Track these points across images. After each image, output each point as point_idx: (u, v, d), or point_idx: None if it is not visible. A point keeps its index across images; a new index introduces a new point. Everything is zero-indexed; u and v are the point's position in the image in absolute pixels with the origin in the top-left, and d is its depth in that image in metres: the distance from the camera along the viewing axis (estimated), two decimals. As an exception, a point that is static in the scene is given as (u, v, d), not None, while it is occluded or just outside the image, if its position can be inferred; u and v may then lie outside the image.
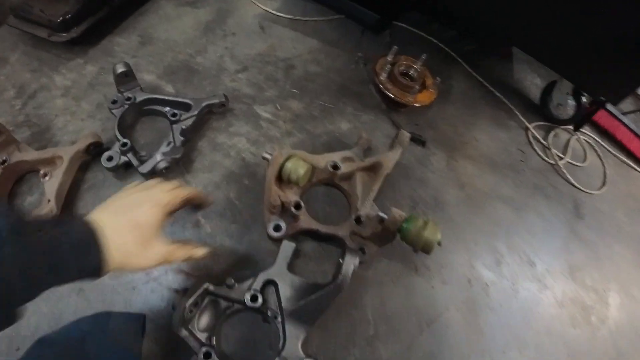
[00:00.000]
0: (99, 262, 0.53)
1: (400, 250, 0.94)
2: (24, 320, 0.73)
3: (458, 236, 1.01)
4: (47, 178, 0.91)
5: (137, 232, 0.57)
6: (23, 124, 1.08)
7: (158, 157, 0.93)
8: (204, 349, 0.78)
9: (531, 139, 1.27)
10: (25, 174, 0.98)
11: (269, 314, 0.83)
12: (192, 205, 0.75)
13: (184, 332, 0.79)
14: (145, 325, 0.82)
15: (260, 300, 0.80)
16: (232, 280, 0.81)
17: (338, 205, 0.96)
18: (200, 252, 0.69)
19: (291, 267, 0.88)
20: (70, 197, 0.93)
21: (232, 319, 0.86)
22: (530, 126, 1.29)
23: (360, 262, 0.87)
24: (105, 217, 0.56)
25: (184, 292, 0.79)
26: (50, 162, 0.93)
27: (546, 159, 1.27)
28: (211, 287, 0.81)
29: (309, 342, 0.84)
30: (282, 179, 0.88)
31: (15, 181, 0.97)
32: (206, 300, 0.82)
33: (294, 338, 0.79)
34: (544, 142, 1.30)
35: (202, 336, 0.82)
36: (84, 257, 0.51)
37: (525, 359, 0.99)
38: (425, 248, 0.82)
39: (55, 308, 0.81)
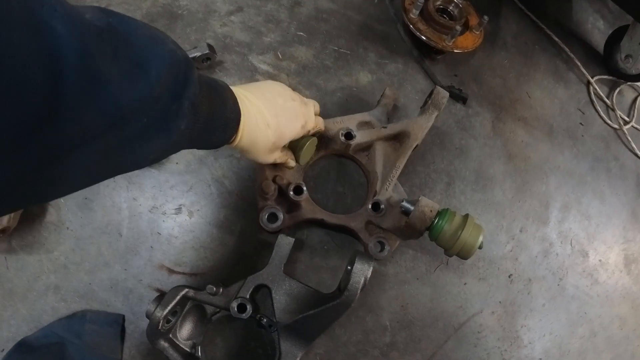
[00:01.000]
0: (230, 140, 0.53)
1: (427, 242, 0.75)
2: (4, 322, 0.70)
3: (501, 222, 0.81)
4: None
5: (276, 136, 0.57)
6: None
7: None
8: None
9: (593, 97, 1.01)
10: None
11: (264, 322, 0.67)
12: None
13: (161, 344, 0.65)
14: (124, 327, 0.71)
15: (249, 310, 0.64)
16: (214, 288, 0.64)
17: (353, 183, 0.76)
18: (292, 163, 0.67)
19: (290, 265, 0.70)
20: None
21: (221, 324, 0.71)
22: (592, 80, 1.02)
23: (378, 260, 0.69)
24: (258, 102, 0.55)
25: (160, 298, 0.64)
26: None
27: (609, 122, 1.02)
28: (191, 293, 0.65)
29: (310, 353, 0.70)
30: None
31: None
32: (188, 305, 0.66)
33: (290, 356, 0.64)
34: (607, 101, 1.04)
35: (186, 345, 0.68)
36: (227, 131, 0.51)
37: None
38: (463, 253, 0.63)
39: (33, 310, 0.72)
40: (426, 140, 0.80)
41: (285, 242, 0.66)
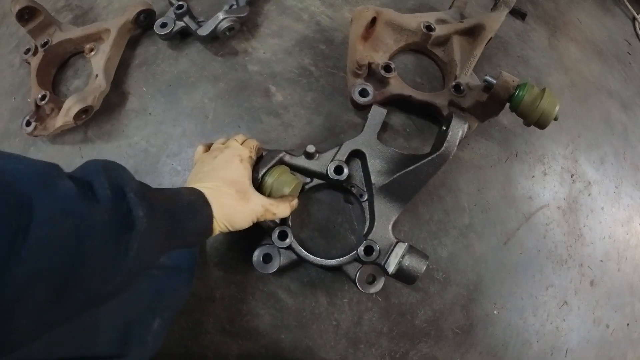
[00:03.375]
0: (210, 220, 0.51)
1: (499, 130, 0.77)
2: None
3: (561, 125, 0.84)
4: (93, 53, 0.79)
5: (234, 188, 0.55)
6: (64, 9, 0.92)
7: (220, 15, 0.75)
8: (278, 229, 0.65)
9: (638, 32, 1.06)
10: (69, 58, 0.85)
11: (354, 191, 0.69)
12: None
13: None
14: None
15: (345, 172, 0.65)
16: (314, 148, 0.66)
17: (430, 77, 0.78)
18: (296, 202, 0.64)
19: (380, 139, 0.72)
20: (119, 74, 0.79)
21: (309, 197, 0.72)
22: (637, 16, 1.07)
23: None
24: (198, 184, 0.53)
25: (256, 161, 0.65)
26: (97, 37, 0.80)
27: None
28: (287, 157, 0.66)
29: (398, 226, 0.71)
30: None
31: (60, 66, 0.85)
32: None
33: (384, 218, 0.65)
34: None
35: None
36: (197, 215, 0.49)
37: (622, 274, 0.86)
38: (541, 121, 0.65)
39: None
40: (491, 46, 0.83)
41: (378, 112, 0.68)
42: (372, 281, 0.64)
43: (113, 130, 0.77)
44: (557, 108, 0.65)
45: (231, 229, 0.54)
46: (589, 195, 0.83)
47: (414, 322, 0.71)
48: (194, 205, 0.49)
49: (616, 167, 0.87)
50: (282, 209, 0.59)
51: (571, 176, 0.82)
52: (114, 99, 0.78)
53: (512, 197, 0.76)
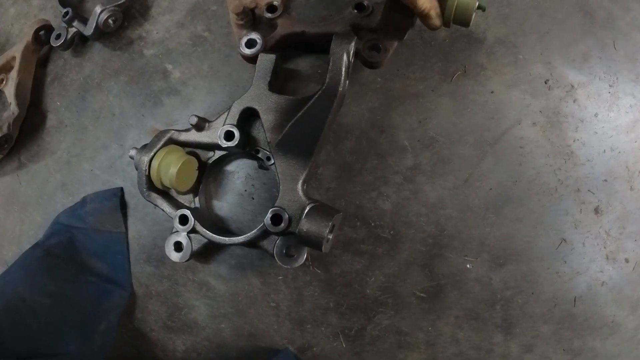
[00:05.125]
0: None
1: (437, 45, 0.61)
2: (24, 235, 0.74)
3: (520, 22, 0.65)
4: (4, 83, 0.79)
5: None
6: None
7: (98, 9, 0.67)
8: (178, 214, 0.56)
9: None
10: None
11: (261, 155, 0.57)
12: None
13: (152, 195, 0.57)
14: (124, 199, 0.67)
15: (237, 136, 0.54)
16: (195, 118, 0.55)
17: (340, 5, 0.63)
18: None
19: (281, 90, 0.60)
20: (37, 95, 0.78)
21: (219, 170, 0.62)
22: None
23: (374, 63, 0.56)
24: None
25: (144, 145, 0.56)
26: (8, 67, 0.79)
27: None
28: (176, 134, 0.57)
29: (321, 183, 0.58)
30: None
31: None
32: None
33: (290, 179, 0.53)
34: None
35: (184, 200, 0.60)
36: None
37: (635, 192, 0.66)
38: (459, 15, 0.50)
39: (46, 213, 0.72)
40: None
41: (266, 60, 0.56)
42: (291, 254, 0.53)
43: (40, 151, 0.76)
44: None
45: None
46: (574, 102, 0.64)
47: (365, 292, 0.59)
48: None
49: (606, 61, 0.67)
50: None
51: (545, 82, 0.64)
52: (36, 120, 0.77)
53: (467, 123, 0.60)
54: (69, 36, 0.72)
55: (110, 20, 0.69)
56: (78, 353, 0.59)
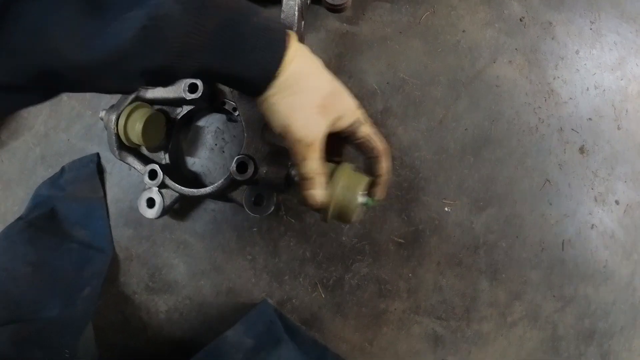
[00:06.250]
0: (280, 57, 0.33)
1: (403, -15, 0.59)
2: (8, 212, 0.71)
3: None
4: None
5: (331, 95, 0.36)
6: None
7: None
8: (148, 169, 0.55)
9: None
10: None
11: (227, 107, 0.56)
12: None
13: (123, 154, 0.56)
14: (100, 164, 0.67)
15: (200, 87, 0.53)
16: None
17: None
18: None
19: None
20: None
21: (189, 126, 0.61)
22: None
23: (336, 8, 0.54)
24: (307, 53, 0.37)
25: (111, 107, 0.55)
26: None
27: None
28: (142, 91, 0.56)
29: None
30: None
31: None
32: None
33: (254, 127, 0.51)
34: None
35: (156, 157, 0.59)
36: (266, 42, 0.33)
37: (624, 132, 0.63)
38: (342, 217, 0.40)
39: (28, 188, 0.70)
40: None
41: None
42: (260, 202, 0.52)
43: (18, 127, 0.76)
44: (359, 193, 0.38)
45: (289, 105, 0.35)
46: (552, 39, 0.61)
47: (340, 240, 0.57)
48: (268, 33, 0.33)
49: (590, -4, 0.64)
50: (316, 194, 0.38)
51: (520, 20, 0.61)
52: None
53: (439, 64, 0.58)
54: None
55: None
56: (61, 318, 0.59)
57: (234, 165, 0.50)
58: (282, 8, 0.47)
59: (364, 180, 0.40)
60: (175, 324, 0.63)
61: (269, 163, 0.46)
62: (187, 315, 0.62)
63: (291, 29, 0.47)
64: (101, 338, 0.65)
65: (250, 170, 0.49)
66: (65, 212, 0.67)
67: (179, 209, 0.58)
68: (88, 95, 0.68)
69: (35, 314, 0.59)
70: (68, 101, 0.70)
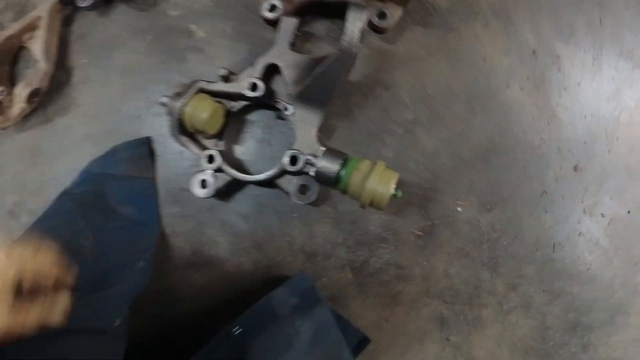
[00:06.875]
0: None
1: (439, 15, 0.68)
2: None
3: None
4: (31, 41, 0.79)
5: None
6: (5, 10, 0.92)
7: None
8: (206, 154, 0.63)
9: None
10: (18, 52, 0.84)
11: (279, 106, 0.65)
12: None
13: (182, 139, 0.64)
14: (152, 147, 0.72)
15: (261, 87, 0.61)
16: (224, 70, 0.63)
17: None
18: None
19: (299, 50, 0.67)
20: (62, 53, 0.80)
21: (241, 119, 0.69)
22: None
23: (380, 30, 0.64)
24: None
25: (177, 95, 0.63)
26: (33, 26, 0.80)
27: None
28: (204, 83, 0.64)
29: (332, 132, 0.66)
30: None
31: (13, 62, 0.84)
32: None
33: (306, 126, 0.60)
34: None
35: (209, 143, 0.67)
36: None
37: (614, 156, 0.73)
38: (375, 204, 0.56)
39: (72, 164, 0.73)
40: None
41: (288, 23, 0.63)
42: (305, 191, 0.61)
43: (67, 104, 0.78)
44: (391, 186, 0.54)
45: None
46: (558, 70, 0.72)
47: (368, 229, 0.66)
48: None
49: (591, 36, 0.74)
50: None
51: (533, 52, 0.71)
52: (62, 76, 0.79)
53: (462, 85, 0.68)
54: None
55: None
56: (117, 290, 0.60)
57: (286, 158, 0.58)
58: (346, 32, 0.55)
59: (395, 175, 0.54)
60: (212, 297, 0.70)
61: (325, 159, 0.55)
62: (225, 287, 0.70)
63: (351, 49, 0.56)
64: (137, 307, 0.71)
65: (301, 163, 0.58)
66: (115, 189, 0.71)
67: (225, 190, 0.66)
68: (141, 81, 0.73)
69: (95, 287, 0.60)
70: (120, 86, 0.73)
